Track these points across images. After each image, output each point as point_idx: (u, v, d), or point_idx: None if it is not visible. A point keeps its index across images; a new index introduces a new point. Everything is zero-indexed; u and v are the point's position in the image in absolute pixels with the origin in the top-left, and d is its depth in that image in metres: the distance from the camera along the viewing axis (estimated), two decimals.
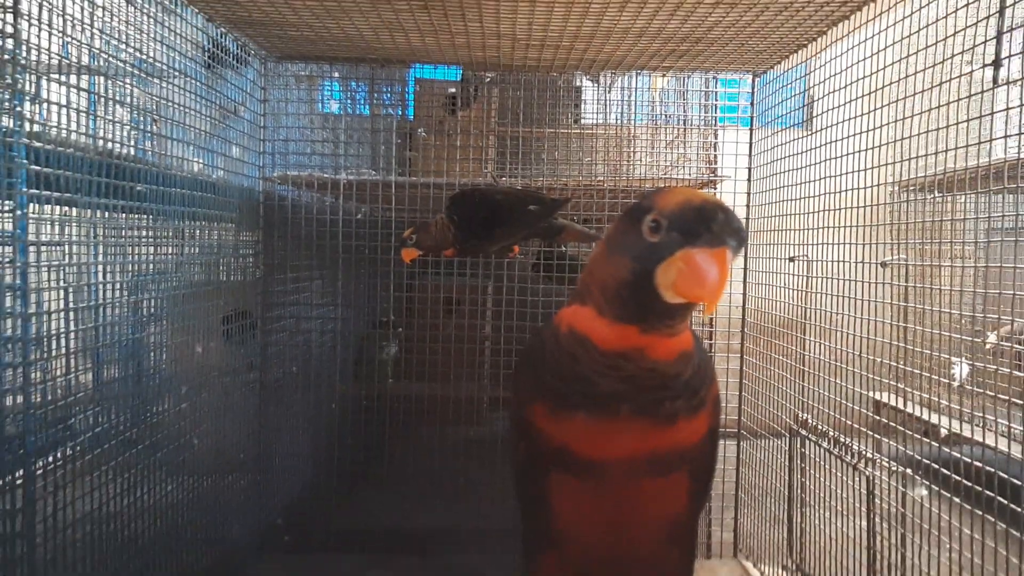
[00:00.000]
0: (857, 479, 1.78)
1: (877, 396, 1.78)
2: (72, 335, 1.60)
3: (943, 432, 1.56)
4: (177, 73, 1.97)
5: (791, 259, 2.19)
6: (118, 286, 1.76)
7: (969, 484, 1.40)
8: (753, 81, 2.60)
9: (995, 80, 1.53)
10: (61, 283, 1.58)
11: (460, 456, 2.85)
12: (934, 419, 1.61)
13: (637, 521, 0.96)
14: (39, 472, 1.51)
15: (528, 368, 0.91)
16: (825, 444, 1.95)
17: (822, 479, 2.03)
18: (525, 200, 2.31)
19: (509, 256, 2.69)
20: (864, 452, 1.77)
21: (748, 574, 2.46)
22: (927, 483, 1.52)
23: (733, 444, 2.66)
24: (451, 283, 3.12)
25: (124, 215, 1.76)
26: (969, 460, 1.42)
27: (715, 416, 0.95)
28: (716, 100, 2.67)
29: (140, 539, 1.86)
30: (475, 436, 3.03)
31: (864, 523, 1.78)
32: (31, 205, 1.42)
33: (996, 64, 1.52)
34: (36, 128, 1.43)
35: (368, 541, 2.66)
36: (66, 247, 1.63)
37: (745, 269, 2.64)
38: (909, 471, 1.60)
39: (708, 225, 0.79)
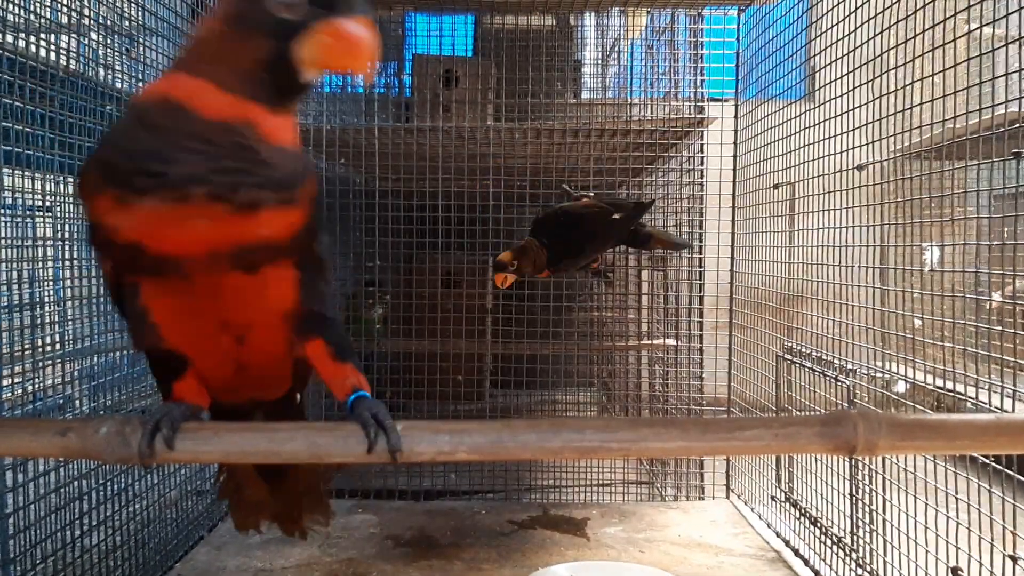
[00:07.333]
0: (839, 394, 1.76)
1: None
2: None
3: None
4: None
5: (775, 187, 2.16)
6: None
7: None
8: (739, 16, 2.57)
9: None
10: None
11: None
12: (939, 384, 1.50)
13: (244, 322, 0.91)
14: None
15: (99, 159, 0.83)
16: (808, 364, 1.92)
17: (807, 401, 2.00)
18: (607, 210, 2.31)
19: (593, 267, 2.67)
20: (844, 364, 1.74)
21: (739, 513, 2.43)
22: (905, 379, 1.49)
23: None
24: (450, 258, 3.11)
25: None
26: None
27: (310, 212, 0.89)
28: (702, 37, 2.63)
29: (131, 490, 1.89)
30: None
31: None
32: None
33: None
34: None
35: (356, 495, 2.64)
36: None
37: (732, 245, 2.60)
38: (887, 375, 1.58)
39: None
